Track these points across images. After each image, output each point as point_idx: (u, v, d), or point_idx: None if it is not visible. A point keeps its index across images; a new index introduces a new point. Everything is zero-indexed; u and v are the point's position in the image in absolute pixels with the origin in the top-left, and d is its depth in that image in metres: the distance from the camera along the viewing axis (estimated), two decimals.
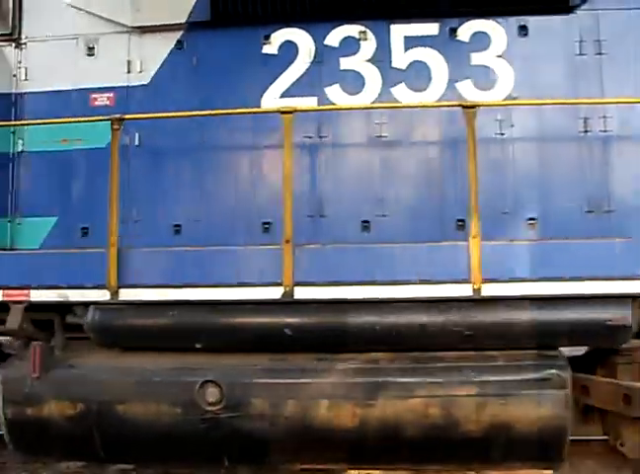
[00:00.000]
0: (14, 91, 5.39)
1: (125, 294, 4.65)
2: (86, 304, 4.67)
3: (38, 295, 4.74)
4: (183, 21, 5.23)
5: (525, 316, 4.37)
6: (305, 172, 5.04)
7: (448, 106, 4.80)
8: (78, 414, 4.60)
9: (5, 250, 5.16)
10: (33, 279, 4.77)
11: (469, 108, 4.55)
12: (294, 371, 4.48)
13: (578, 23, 4.96)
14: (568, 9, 4.93)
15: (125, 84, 5.32)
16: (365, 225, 4.88)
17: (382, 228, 4.84)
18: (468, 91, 4.97)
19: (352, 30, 5.15)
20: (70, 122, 5.12)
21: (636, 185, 4.73)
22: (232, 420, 4.44)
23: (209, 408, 4.46)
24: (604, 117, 4.82)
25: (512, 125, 4.87)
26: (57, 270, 4.78)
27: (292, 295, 4.47)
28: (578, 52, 4.90)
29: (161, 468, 4.97)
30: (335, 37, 5.16)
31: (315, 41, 5.17)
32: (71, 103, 5.31)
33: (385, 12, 5.06)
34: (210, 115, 4.92)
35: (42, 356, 4.65)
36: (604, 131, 4.81)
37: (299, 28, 5.19)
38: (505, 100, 4.91)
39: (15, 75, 5.41)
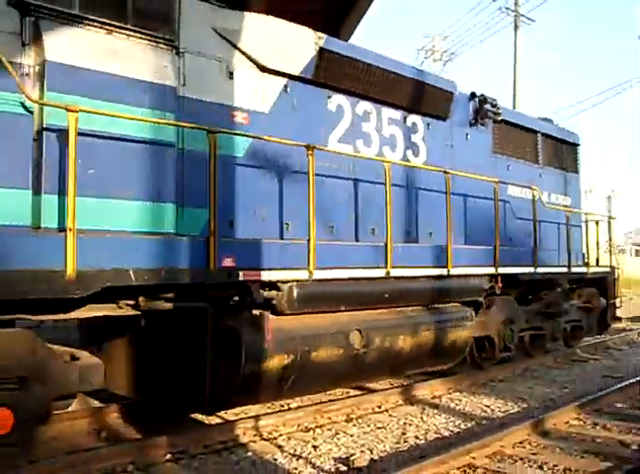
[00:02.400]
0: (180, 94, 6.04)
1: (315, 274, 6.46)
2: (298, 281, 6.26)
3: (266, 276, 6.01)
4: (295, 73, 7.07)
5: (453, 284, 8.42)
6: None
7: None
8: (290, 363, 6.19)
9: (175, 235, 5.87)
10: (258, 263, 5.99)
11: None
12: (394, 320, 7.33)
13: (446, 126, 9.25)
14: (443, 117, 9.17)
15: (254, 109, 6.74)
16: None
17: None
18: (415, 158, 8.63)
19: (368, 106, 8.06)
20: (251, 136, 6.33)
21: None
22: (367, 354, 6.96)
23: (357, 347, 6.85)
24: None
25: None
26: (268, 255, 6.13)
27: (390, 274, 7.29)
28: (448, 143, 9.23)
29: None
30: (360, 108, 7.97)
31: (352, 107, 7.85)
32: (215, 114, 6.37)
33: (373, 98, 8.17)
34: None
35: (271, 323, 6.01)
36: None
37: (344, 95, 7.76)
38: (423, 163, 8.73)
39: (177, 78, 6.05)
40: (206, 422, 6.72)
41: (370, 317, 7.13)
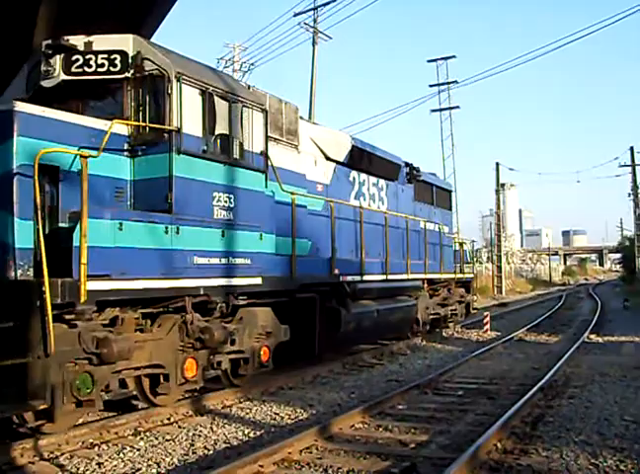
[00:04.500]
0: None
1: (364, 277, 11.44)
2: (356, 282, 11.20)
3: (347, 278, 10.89)
4: (340, 160, 11.99)
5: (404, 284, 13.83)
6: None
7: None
8: (355, 326, 11.11)
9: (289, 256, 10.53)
10: (346, 270, 10.85)
11: None
12: (386, 304, 12.50)
13: (394, 185, 14.62)
14: (394, 180, 14.53)
15: (324, 182, 11.55)
16: None
17: None
18: (382, 207, 13.87)
19: (364, 176, 13.17)
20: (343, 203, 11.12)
21: None
22: (380, 319, 12.08)
23: (377, 317, 11.95)
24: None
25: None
26: (345, 267, 11.01)
27: (388, 278, 12.46)
28: (395, 196, 14.62)
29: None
30: (362, 178, 13.05)
31: (358, 178, 12.92)
32: (311, 187, 11.09)
33: (367, 171, 13.32)
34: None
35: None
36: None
37: (356, 171, 12.79)
38: (386, 210, 14.00)
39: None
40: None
41: (380, 303, 12.26)
